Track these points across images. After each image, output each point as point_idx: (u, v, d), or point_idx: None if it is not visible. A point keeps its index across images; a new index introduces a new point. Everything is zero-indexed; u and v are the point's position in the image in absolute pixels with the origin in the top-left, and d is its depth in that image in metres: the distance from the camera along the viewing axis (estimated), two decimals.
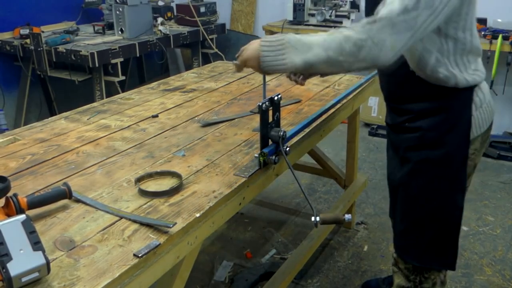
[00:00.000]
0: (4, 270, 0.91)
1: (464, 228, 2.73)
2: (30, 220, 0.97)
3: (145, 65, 4.84)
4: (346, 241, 2.69)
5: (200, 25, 4.14)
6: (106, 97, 2.79)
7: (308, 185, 3.31)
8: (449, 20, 1.31)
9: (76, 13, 4.26)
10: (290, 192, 3.20)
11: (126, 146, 1.63)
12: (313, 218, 1.29)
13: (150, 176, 1.39)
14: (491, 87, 3.50)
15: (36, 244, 0.94)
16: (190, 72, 2.64)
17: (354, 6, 4.09)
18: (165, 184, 1.36)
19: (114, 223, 1.16)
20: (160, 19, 3.94)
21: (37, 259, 0.93)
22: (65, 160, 1.53)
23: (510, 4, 3.64)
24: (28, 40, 3.53)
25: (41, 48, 3.44)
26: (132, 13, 3.70)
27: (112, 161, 1.51)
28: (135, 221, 1.16)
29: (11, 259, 0.91)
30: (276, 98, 1.44)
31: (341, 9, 4.11)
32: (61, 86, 4.05)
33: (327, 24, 4.07)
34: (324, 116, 1.83)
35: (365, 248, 2.64)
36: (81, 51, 3.34)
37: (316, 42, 1.28)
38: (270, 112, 1.44)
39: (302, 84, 1.61)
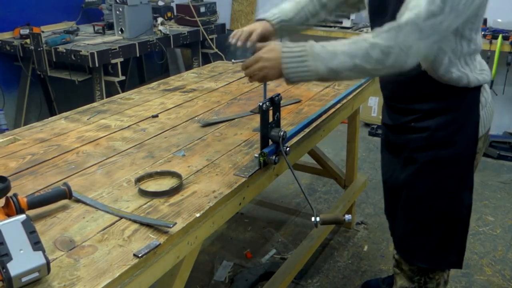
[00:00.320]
0: (4, 270, 0.91)
1: None
2: (30, 220, 0.97)
3: (145, 65, 4.84)
4: (346, 241, 2.69)
5: (200, 25, 4.14)
6: (106, 97, 2.78)
7: (308, 185, 3.31)
8: (467, 21, 1.30)
9: (76, 13, 4.26)
10: (290, 192, 3.20)
11: (126, 146, 1.63)
12: (313, 218, 1.29)
13: (150, 176, 1.39)
14: (491, 87, 3.50)
15: (36, 244, 0.94)
16: (190, 72, 2.63)
17: None
18: (165, 184, 1.36)
19: (114, 223, 1.16)
20: (160, 19, 3.94)
21: (37, 259, 0.93)
22: (65, 160, 1.53)
23: (510, 4, 3.64)
24: (28, 40, 3.53)
25: (41, 48, 3.44)
26: (132, 13, 3.70)
27: (112, 161, 1.51)
28: (135, 221, 1.16)
29: (11, 259, 0.91)
30: (276, 98, 1.44)
31: None
32: (61, 86, 4.05)
33: (327, 24, 4.06)
34: (324, 116, 1.82)
35: (365, 248, 2.64)
36: (81, 51, 3.34)
37: (341, 49, 1.25)
38: (270, 112, 1.44)
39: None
